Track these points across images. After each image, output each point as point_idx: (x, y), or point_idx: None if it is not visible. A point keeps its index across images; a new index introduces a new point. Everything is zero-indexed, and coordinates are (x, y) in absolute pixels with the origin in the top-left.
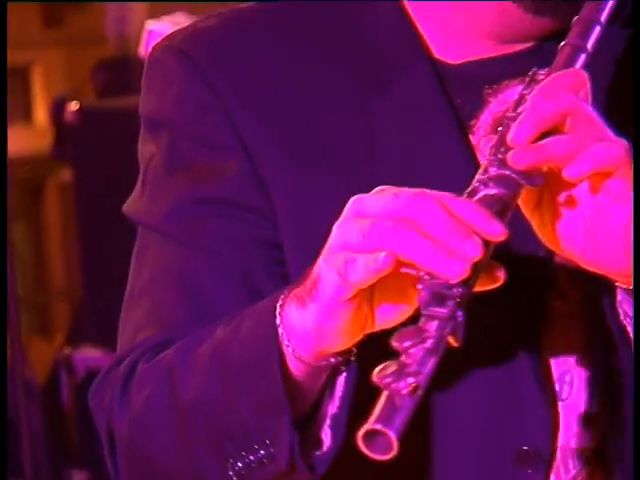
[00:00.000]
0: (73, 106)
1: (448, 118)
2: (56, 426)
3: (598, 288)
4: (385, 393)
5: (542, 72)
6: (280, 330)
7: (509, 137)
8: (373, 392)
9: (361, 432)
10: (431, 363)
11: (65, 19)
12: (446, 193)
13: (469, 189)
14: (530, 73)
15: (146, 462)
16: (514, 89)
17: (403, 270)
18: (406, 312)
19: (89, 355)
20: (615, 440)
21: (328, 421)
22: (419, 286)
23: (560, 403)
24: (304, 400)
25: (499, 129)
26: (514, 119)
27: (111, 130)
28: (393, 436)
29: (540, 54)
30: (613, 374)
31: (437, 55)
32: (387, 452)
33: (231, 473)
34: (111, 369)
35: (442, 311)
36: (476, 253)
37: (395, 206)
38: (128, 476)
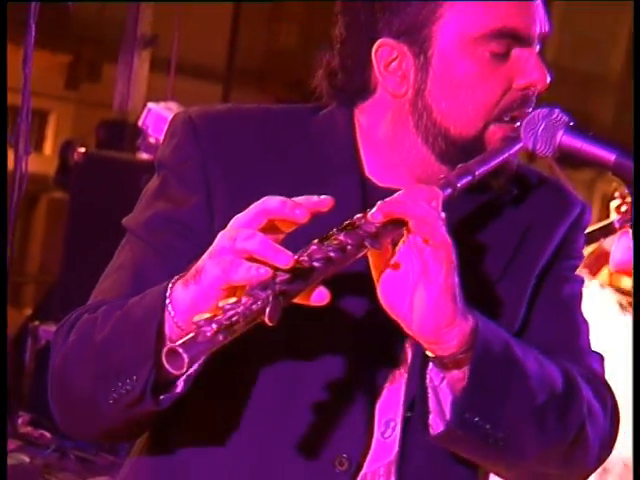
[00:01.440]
0: (81, 149)
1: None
2: (15, 380)
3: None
4: (195, 330)
5: None
6: (167, 301)
7: (369, 213)
8: (223, 359)
9: (166, 348)
10: (237, 324)
11: (82, 85)
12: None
13: (328, 234)
14: None
15: (66, 389)
16: None
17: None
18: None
19: (52, 329)
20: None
21: (184, 376)
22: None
23: (382, 439)
24: None
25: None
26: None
27: (106, 173)
28: (186, 358)
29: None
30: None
31: (367, 174)
32: (178, 369)
33: (110, 400)
34: (68, 319)
35: (260, 293)
36: (286, 262)
37: (253, 221)
38: (56, 403)
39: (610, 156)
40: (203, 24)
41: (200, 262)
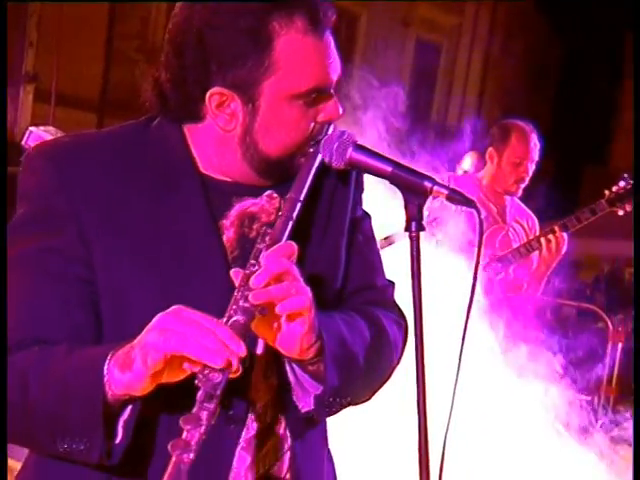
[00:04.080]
0: None
1: (208, 221)
2: None
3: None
4: (174, 459)
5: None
6: (105, 378)
7: (251, 282)
8: (155, 405)
9: None
10: (201, 440)
11: None
12: (215, 320)
13: (227, 314)
14: (265, 194)
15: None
16: (249, 200)
17: (187, 367)
18: (180, 378)
19: None
20: None
21: (121, 422)
22: (198, 384)
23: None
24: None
25: (246, 271)
26: (254, 265)
27: None
28: None
29: (278, 189)
30: None
31: (203, 170)
32: None
33: (60, 449)
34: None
35: (210, 406)
36: (241, 350)
37: (182, 326)
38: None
39: (387, 168)
40: (79, 61)
41: (132, 352)
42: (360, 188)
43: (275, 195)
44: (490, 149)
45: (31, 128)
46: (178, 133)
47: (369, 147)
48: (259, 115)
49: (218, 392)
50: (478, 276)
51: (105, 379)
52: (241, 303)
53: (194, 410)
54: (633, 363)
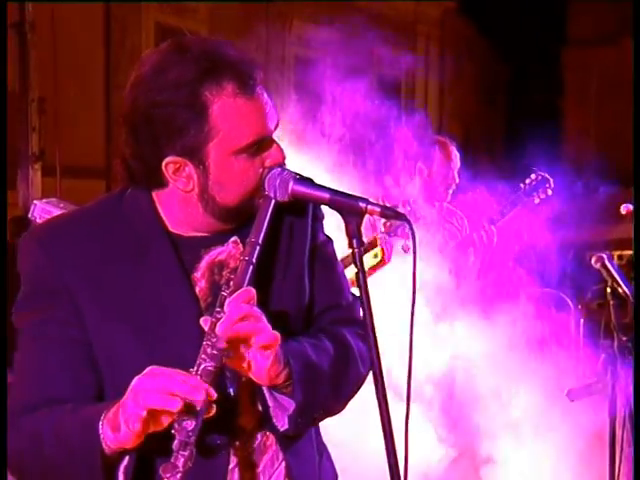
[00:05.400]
0: None
1: (180, 276)
2: None
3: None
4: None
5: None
6: (101, 437)
7: (217, 329)
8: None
9: None
10: None
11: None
12: (183, 373)
13: (197, 362)
14: (230, 241)
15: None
16: (216, 249)
17: (163, 419)
18: (165, 426)
19: None
20: None
21: (122, 469)
22: (175, 433)
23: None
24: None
25: (212, 319)
26: (219, 313)
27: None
28: None
29: (237, 232)
30: None
31: (172, 230)
32: None
33: None
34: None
35: (185, 453)
36: (204, 396)
37: (152, 384)
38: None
39: (325, 195)
40: (81, 130)
41: (118, 414)
42: (319, 217)
43: (239, 240)
44: (419, 164)
45: (35, 201)
46: (147, 199)
47: (308, 178)
48: (211, 174)
49: (192, 439)
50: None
51: (101, 437)
52: (209, 351)
53: (172, 459)
54: (633, 364)
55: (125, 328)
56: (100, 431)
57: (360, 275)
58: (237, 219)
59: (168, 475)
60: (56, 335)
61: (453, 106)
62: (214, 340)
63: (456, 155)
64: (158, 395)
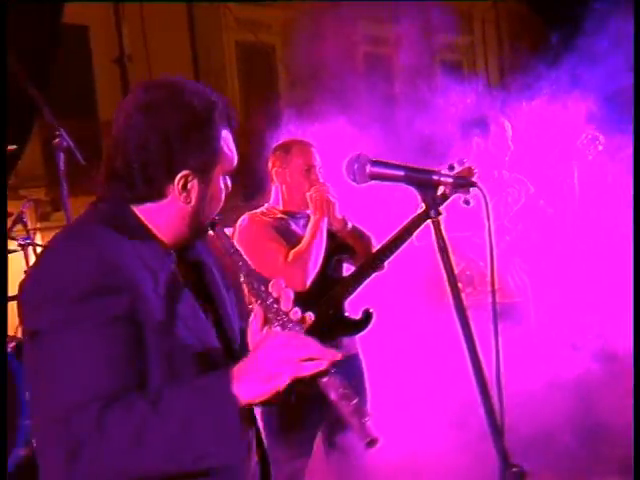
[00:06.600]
0: None
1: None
2: None
3: None
4: (349, 409)
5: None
6: (234, 399)
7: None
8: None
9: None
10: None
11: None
12: (312, 340)
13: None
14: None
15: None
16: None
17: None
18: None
19: None
20: None
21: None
22: (325, 388)
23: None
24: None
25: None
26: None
27: None
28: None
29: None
30: None
31: (162, 238)
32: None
33: (190, 467)
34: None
35: (353, 402)
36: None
37: (304, 352)
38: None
39: (400, 172)
40: None
41: (267, 372)
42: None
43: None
44: (475, 138)
45: None
46: (129, 211)
47: (381, 160)
48: (209, 190)
49: (347, 390)
50: None
51: (234, 400)
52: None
53: (350, 409)
54: (633, 363)
55: (174, 321)
56: (232, 390)
57: (440, 242)
58: (193, 240)
59: (366, 419)
60: (120, 328)
61: None
62: (285, 319)
63: (508, 126)
64: (314, 348)
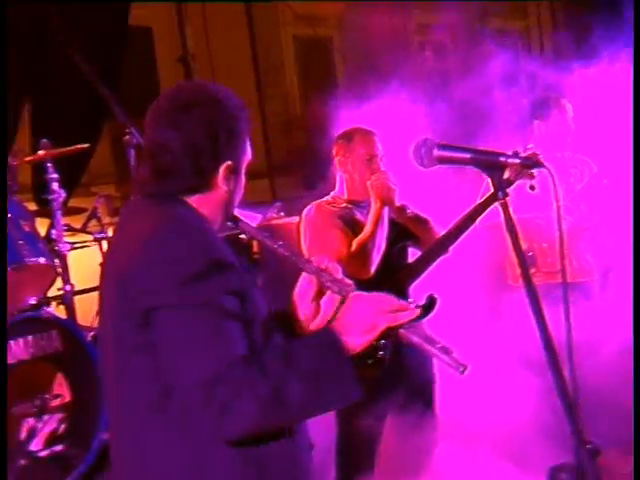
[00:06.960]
0: None
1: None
2: None
3: None
4: (437, 348)
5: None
6: (346, 354)
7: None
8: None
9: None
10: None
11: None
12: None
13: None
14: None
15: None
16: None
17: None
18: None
19: None
20: None
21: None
22: (408, 335)
23: None
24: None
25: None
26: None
27: None
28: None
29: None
30: None
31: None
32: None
33: (321, 408)
34: (220, 376)
35: (438, 344)
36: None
37: (394, 306)
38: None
39: (467, 155)
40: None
41: (366, 324)
42: None
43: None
44: (535, 121)
45: None
46: (185, 203)
47: (448, 143)
48: (239, 179)
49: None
50: None
51: (346, 354)
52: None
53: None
54: (633, 363)
55: (254, 290)
56: (343, 343)
57: (509, 223)
58: (221, 230)
59: (453, 354)
60: (237, 300)
61: None
62: (341, 284)
63: (569, 107)
64: (399, 313)
